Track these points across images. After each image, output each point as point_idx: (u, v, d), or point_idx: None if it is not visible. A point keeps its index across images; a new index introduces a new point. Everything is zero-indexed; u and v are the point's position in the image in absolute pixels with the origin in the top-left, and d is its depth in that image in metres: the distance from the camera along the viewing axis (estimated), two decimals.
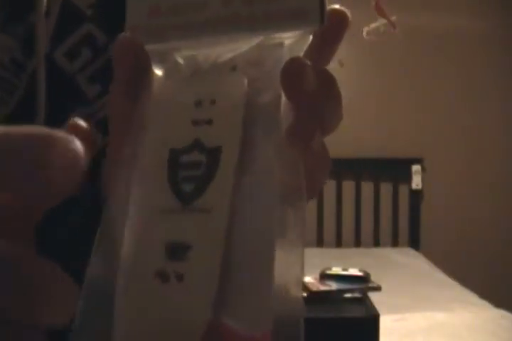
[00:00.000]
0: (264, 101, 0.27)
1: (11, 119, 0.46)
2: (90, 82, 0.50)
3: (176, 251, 0.25)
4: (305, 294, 1.76)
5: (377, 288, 1.93)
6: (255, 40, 0.28)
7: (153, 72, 0.30)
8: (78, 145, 0.22)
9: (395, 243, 3.64)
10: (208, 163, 0.26)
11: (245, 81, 0.27)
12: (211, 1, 0.29)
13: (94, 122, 0.51)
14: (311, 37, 0.28)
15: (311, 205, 3.62)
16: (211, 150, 0.26)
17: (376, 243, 3.64)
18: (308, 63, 0.27)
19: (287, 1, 0.28)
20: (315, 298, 1.74)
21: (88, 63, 0.50)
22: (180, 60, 0.30)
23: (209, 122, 0.27)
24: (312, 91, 0.27)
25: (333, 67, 0.30)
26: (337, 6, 0.29)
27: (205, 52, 0.29)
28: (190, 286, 0.25)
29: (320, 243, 3.63)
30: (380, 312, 1.63)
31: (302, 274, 0.24)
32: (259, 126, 0.27)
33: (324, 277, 1.96)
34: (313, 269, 2.08)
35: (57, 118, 0.48)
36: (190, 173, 0.26)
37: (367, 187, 3.65)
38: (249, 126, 0.27)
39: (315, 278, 1.91)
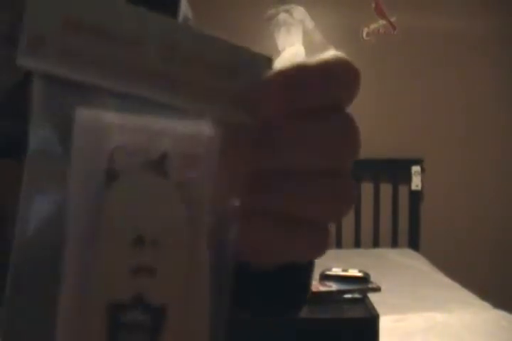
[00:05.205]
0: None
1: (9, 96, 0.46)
2: None
3: None
4: None
5: (377, 289, 1.93)
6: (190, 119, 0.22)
7: None
8: None
9: (394, 243, 3.63)
10: (152, 327, 0.21)
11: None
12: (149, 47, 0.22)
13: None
14: None
15: None
16: (155, 309, 0.21)
17: (376, 243, 3.64)
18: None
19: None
20: (315, 298, 1.74)
21: None
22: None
23: (152, 272, 0.21)
24: None
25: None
26: None
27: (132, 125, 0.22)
28: None
29: None
30: (380, 312, 1.62)
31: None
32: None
33: (324, 278, 1.96)
34: None
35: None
36: (133, 338, 0.21)
37: (367, 188, 3.64)
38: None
39: (315, 279, 1.91)
